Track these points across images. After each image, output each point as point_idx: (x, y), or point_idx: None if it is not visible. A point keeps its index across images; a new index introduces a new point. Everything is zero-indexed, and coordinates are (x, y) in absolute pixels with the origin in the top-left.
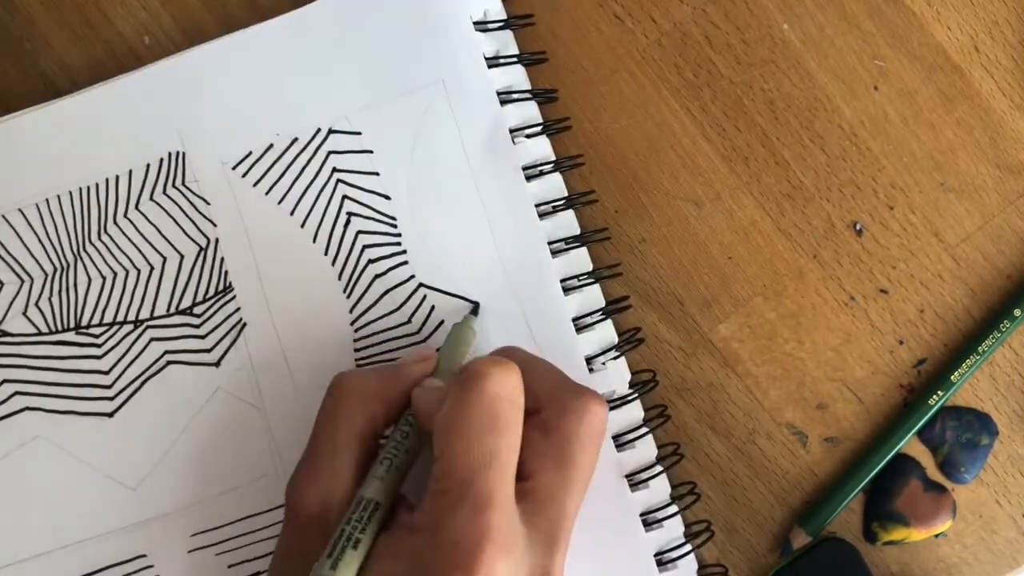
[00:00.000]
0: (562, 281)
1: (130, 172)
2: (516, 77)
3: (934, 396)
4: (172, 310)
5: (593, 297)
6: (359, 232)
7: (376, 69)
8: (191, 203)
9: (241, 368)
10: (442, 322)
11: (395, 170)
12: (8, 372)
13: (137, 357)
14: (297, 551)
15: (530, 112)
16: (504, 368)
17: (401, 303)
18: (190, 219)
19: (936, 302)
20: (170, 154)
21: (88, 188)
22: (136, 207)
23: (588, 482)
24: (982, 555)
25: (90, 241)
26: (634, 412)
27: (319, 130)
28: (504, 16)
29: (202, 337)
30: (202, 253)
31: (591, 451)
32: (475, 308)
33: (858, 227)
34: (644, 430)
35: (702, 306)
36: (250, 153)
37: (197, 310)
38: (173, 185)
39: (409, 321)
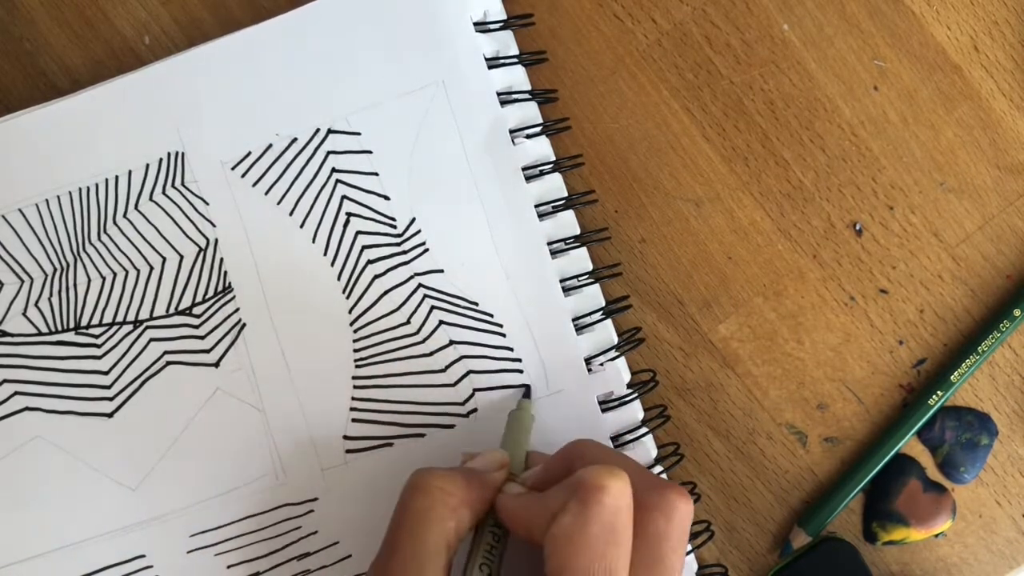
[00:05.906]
0: (562, 281)
1: (129, 172)
2: (516, 77)
3: (934, 396)
4: (171, 310)
5: (593, 297)
6: (358, 232)
7: (376, 69)
8: (190, 203)
9: (240, 368)
10: (441, 323)
11: (395, 171)
12: (8, 372)
13: (137, 357)
14: None
15: (530, 112)
16: (619, 478)
17: (400, 303)
18: (189, 219)
19: (936, 302)
20: (169, 154)
21: (88, 188)
22: (136, 207)
23: None
24: (982, 555)
25: (90, 241)
26: (634, 412)
27: (318, 130)
28: (504, 16)
29: (201, 337)
30: (201, 253)
31: (680, 550)
32: (527, 391)
33: (858, 227)
34: (644, 430)
35: (702, 306)
36: (249, 153)
37: (196, 310)
38: (172, 185)
39: (408, 322)
